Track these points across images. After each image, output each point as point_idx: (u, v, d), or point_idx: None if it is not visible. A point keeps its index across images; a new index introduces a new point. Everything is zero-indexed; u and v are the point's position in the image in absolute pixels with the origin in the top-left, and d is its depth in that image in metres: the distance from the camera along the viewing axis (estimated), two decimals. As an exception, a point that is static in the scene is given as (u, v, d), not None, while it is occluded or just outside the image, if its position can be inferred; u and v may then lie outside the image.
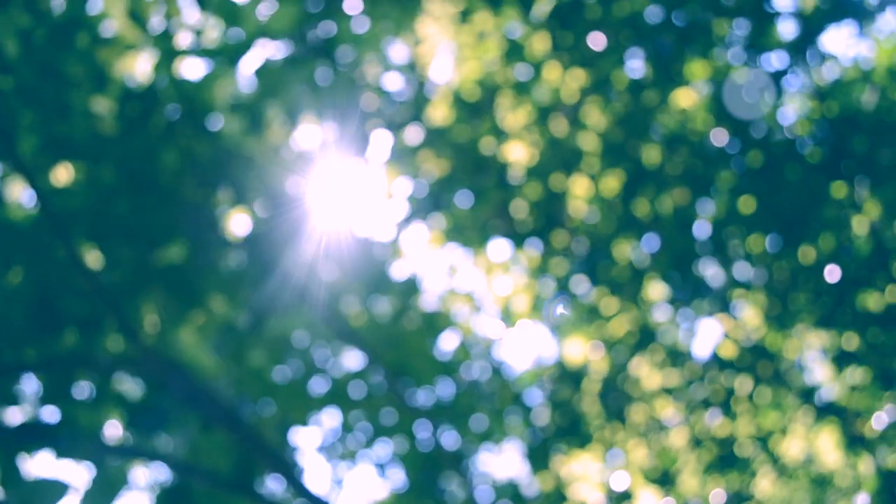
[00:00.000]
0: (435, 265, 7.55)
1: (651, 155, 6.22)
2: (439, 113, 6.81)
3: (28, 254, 3.76)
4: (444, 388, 7.20)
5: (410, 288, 7.11)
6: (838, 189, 5.78)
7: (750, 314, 6.25)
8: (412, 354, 6.84)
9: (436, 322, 7.15)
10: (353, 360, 6.27)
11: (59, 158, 4.16)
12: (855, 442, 5.87)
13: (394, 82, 6.67)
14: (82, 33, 4.30)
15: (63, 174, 4.21)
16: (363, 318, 6.91)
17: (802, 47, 5.62)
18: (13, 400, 3.62)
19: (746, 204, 6.03)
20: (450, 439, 7.03)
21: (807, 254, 5.97)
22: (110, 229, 4.08)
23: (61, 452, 3.56)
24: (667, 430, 6.57)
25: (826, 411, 5.88)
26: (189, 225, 4.25)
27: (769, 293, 6.08)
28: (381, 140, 7.13)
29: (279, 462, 3.83)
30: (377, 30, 6.40)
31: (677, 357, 6.25)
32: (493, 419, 7.14)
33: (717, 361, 6.17)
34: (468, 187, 6.81)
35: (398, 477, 6.92)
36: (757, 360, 6.04)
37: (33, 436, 3.51)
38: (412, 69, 6.58)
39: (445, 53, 6.42)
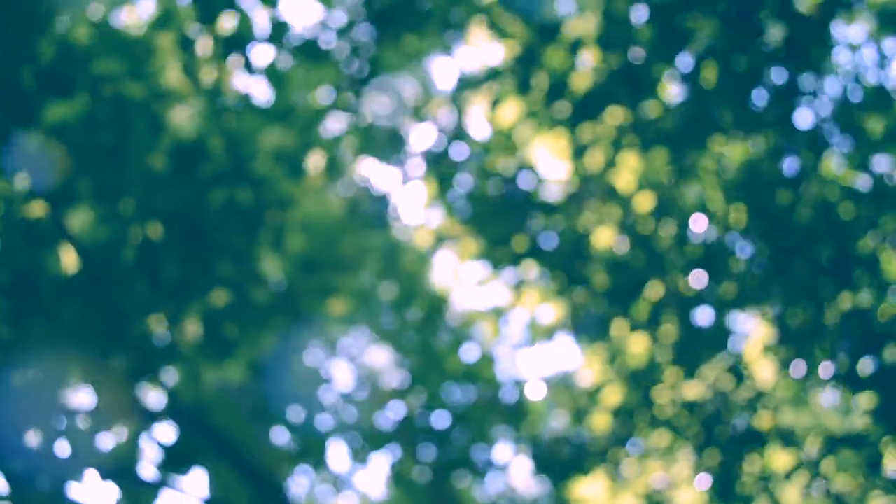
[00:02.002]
0: (465, 280, 7.85)
1: (684, 196, 6.39)
2: (479, 138, 7.02)
3: (72, 303, 4.10)
4: (464, 395, 7.53)
5: (440, 300, 7.40)
6: (865, 245, 5.94)
7: (761, 360, 6.45)
8: (437, 362, 7.16)
9: (462, 333, 7.45)
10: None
11: (109, 205, 4.48)
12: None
13: (435, 110, 6.86)
14: (140, 85, 4.59)
15: (110, 223, 4.53)
16: (396, 325, 7.23)
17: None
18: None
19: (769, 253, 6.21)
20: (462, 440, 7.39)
21: (828, 308, 6.14)
22: (155, 276, 4.42)
23: (104, 476, 4.01)
24: (674, 460, 6.85)
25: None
26: (230, 271, 4.56)
27: (785, 344, 6.27)
28: (419, 163, 7.37)
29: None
30: (418, 56, 6.57)
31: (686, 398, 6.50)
32: (509, 426, 7.47)
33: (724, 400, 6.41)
34: (501, 211, 7.02)
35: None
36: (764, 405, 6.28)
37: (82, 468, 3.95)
38: (454, 99, 6.76)
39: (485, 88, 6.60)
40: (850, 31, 6.25)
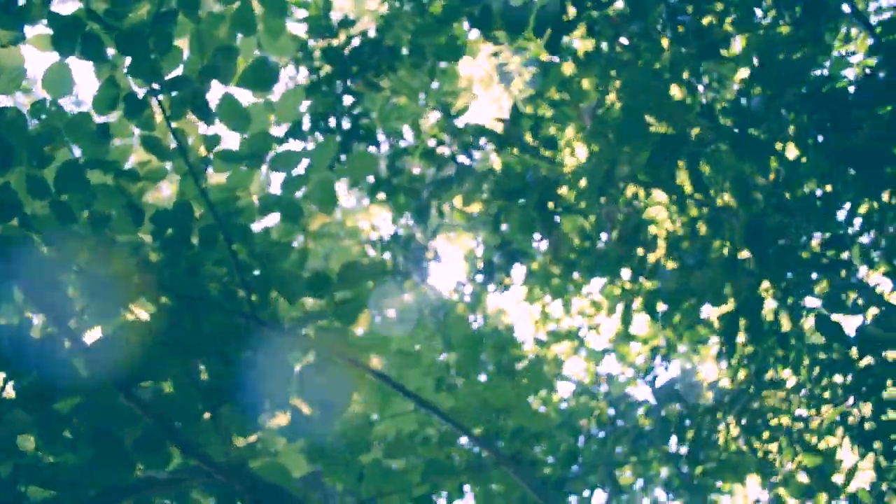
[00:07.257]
0: (524, 315, 7.33)
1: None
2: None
3: (82, 390, 3.80)
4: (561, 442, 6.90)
5: (503, 341, 6.88)
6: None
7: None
8: (517, 411, 6.54)
9: (538, 372, 6.86)
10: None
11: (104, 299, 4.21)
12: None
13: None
14: (107, 174, 4.42)
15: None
16: (460, 381, 6.73)
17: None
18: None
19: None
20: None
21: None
22: (161, 350, 4.09)
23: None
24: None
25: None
26: (242, 333, 4.22)
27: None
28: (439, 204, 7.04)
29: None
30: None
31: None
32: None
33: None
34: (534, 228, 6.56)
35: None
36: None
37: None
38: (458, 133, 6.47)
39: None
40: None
